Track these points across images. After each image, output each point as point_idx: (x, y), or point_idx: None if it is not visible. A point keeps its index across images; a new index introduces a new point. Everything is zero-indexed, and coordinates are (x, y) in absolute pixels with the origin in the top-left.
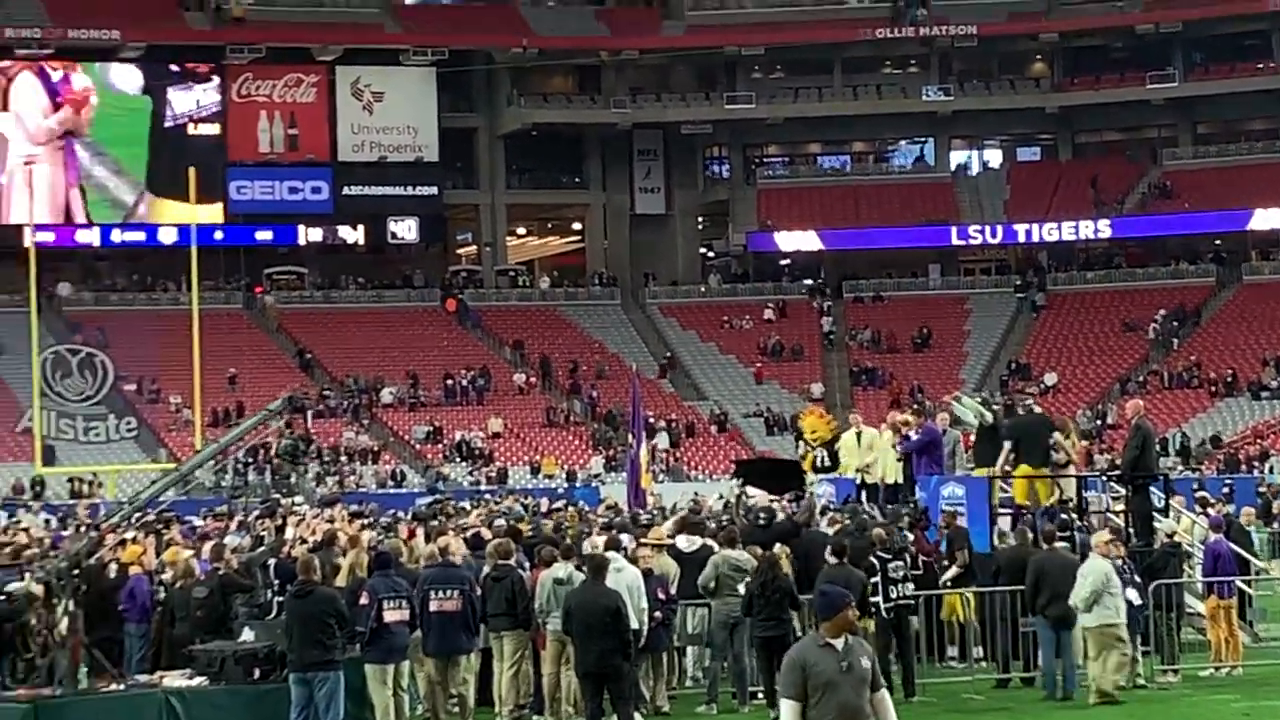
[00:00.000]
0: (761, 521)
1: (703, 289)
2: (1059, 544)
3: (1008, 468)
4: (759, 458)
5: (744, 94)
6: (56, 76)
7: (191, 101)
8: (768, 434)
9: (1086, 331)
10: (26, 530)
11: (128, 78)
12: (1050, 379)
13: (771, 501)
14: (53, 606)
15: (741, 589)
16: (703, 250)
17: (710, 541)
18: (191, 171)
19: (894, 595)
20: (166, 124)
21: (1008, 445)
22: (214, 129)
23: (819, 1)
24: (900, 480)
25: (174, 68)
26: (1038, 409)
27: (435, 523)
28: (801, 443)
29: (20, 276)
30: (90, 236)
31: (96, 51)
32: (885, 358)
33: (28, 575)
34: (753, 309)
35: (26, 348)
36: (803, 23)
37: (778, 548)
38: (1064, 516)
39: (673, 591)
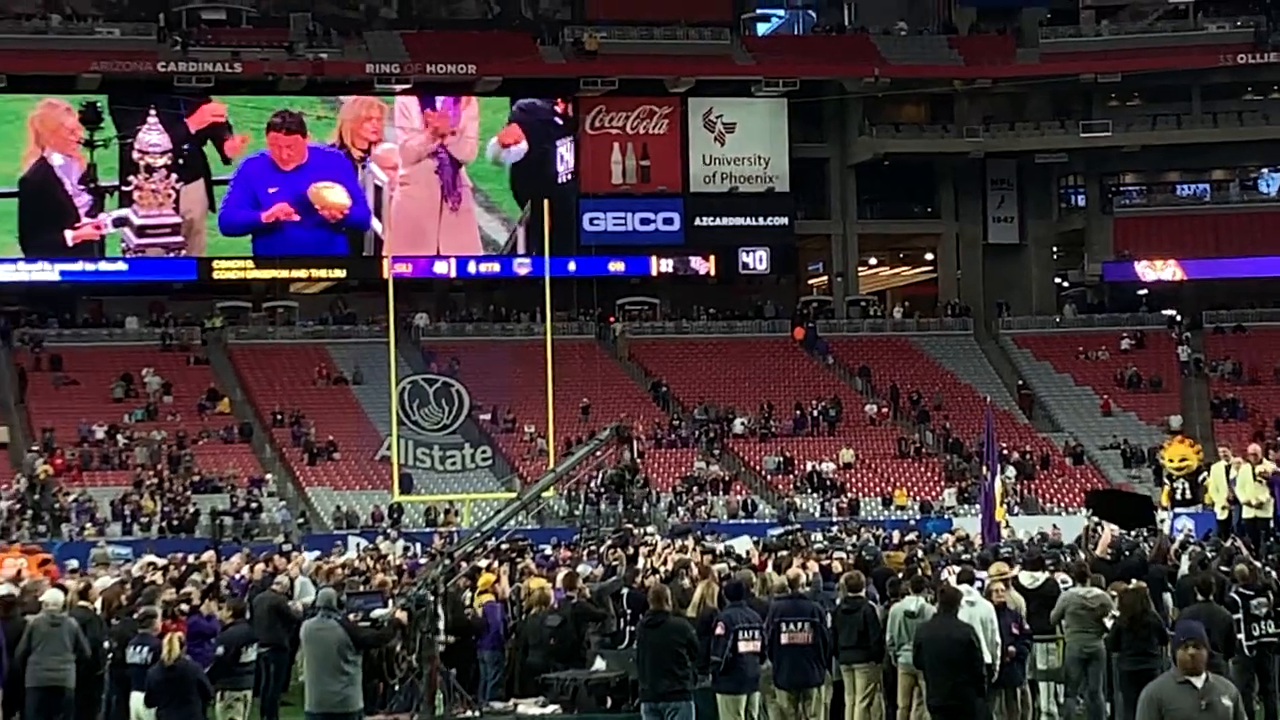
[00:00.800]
0: (1109, 557)
1: (1057, 319)
2: None
3: None
4: (1111, 490)
5: (1100, 122)
6: (439, 102)
7: (571, 152)
8: (1124, 466)
9: None
10: (384, 557)
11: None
12: None
13: (1125, 535)
14: (410, 633)
15: (1108, 623)
16: (1057, 280)
17: (1063, 575)
18: (546, 204)
19: (1256, 633)
20: (560, 180)
21: None
22: (568, 161)
23: (1177, 28)
24: (1268, 515)
25: (558, 121)
26: None
27: (784, 553)
28: (1165, 474)
29: (380, 307)
30: (446, 268)
31: (452, 86)
32: (1247, 390)
33: (391, 601)
34: (1109, 339)
35: (385, 377)
36: (1160, 49)
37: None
38: None
39: (1026, 627)
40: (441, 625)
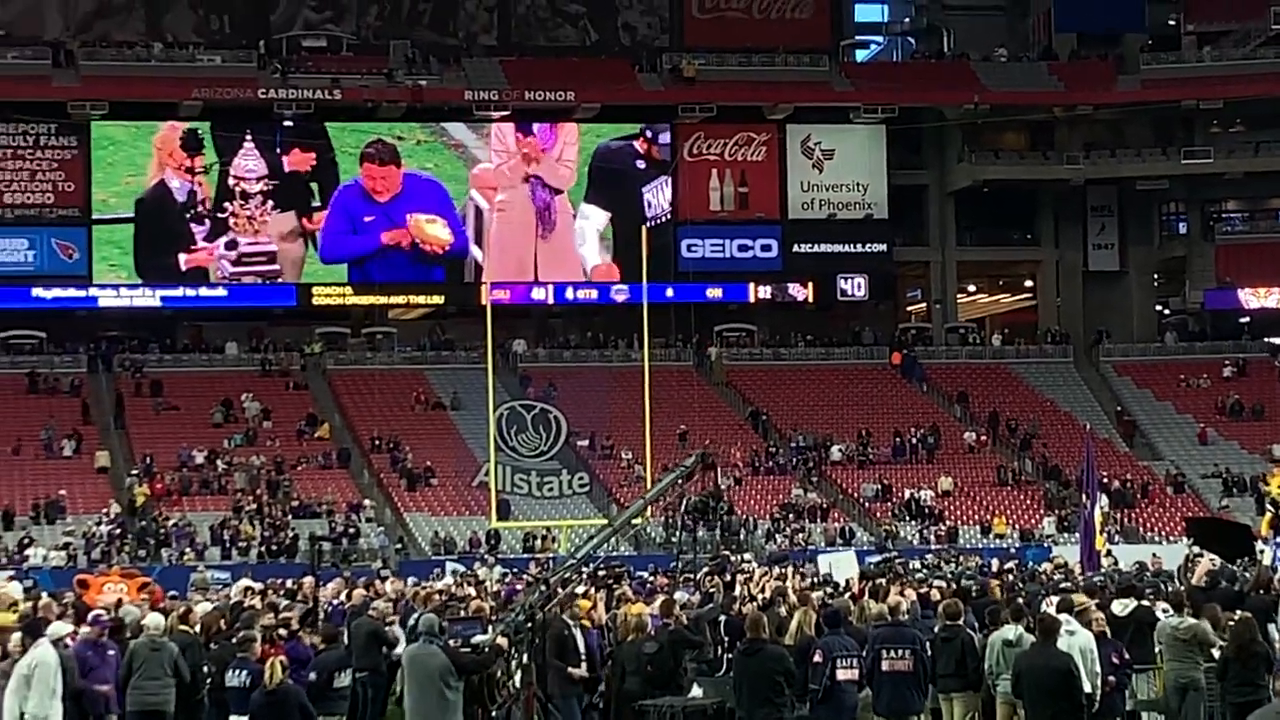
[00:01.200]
0: (1204, 584)
1: (1158, 347)
2: None
3: None
4: (1211, 518)
5: (1201, 148)
6: (535, 127)
7: (663, 201)
8: (1225, 495)
9: None
10: (481, 583)
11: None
12: None
13: (1225, 565)
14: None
15: (1215, 653)
16: (1158, 307)
17: (1163, 604)
18: (644, 231)
19: None
20: (650, 224)
21: None
22: (658, 204)
23: None
24: None
25: (640, 165)
26: None
27: (881, 581)
28: (1270, 502)
29: (478, 333)
30: (544, 294)
31: (550, 113)
32: None
33: (491, 628)
34: (1210, 367)
35: (483, 403)
36: (1263, 75)
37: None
38: None
39: (1126, 656)
40: (582, 654)
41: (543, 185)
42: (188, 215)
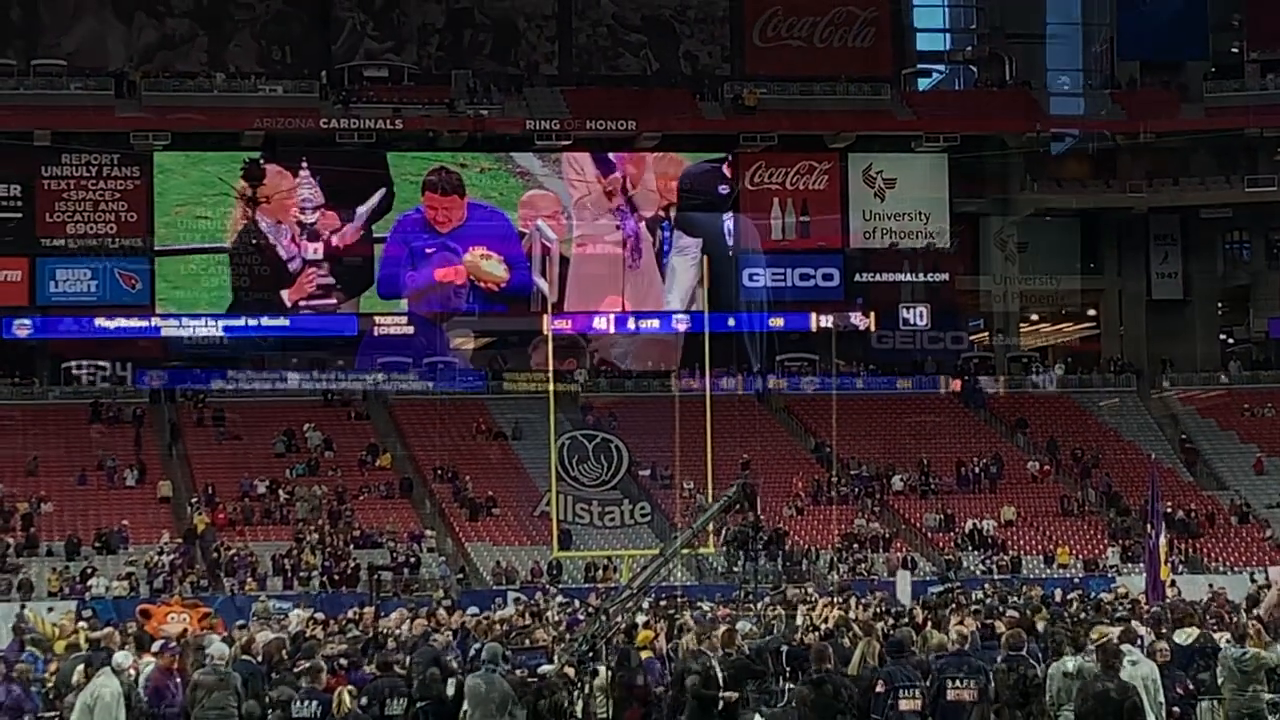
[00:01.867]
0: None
1: (1222, 376)
2: None
3: None
4: None
5: (1265, 176)
6: (613, 155)
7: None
8: None
9: None
10: (543, 613)
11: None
12: None
13: None
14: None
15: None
16: (1222, 336)
17: (1225, 635)
18: (705, 260)
19: None
20: (730, 254)
21: None
22: (726, 218)
23: None
24: None
25: (722, 190)
26: None
27: (945, 611)
28: None
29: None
30: (605, 324)
31: (613, 142)
32: None
33: (556, 658)
34: (1275, 396)
35: (544, 433)
36: None
37: None
38: None
39: (1190, 686)
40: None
41: (633, 213)
42: (287, 246)
